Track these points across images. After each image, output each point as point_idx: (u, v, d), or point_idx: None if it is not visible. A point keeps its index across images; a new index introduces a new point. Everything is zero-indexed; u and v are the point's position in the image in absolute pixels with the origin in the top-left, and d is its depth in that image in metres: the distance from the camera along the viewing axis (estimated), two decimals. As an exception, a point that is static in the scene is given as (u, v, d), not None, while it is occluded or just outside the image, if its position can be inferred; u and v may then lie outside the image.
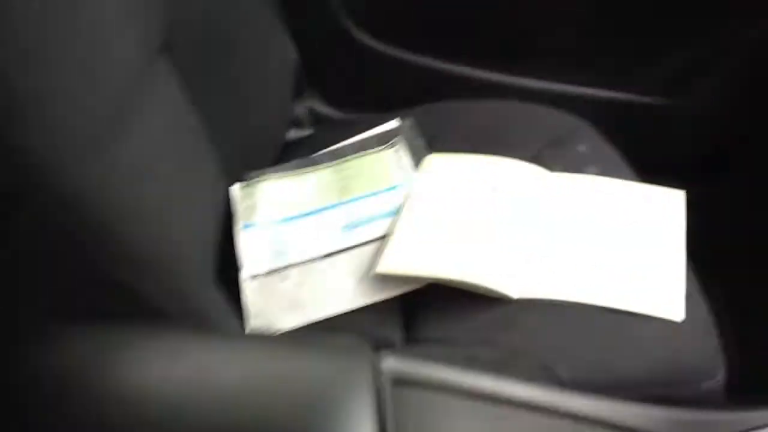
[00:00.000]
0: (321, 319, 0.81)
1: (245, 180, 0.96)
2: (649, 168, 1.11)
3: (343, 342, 0.54)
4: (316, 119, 1.23)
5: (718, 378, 0.73)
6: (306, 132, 1.17)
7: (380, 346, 0.76)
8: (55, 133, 0.56)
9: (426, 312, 0.78)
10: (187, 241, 0.80)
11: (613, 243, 0.79)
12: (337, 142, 1.03)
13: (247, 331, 0.80)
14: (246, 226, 0.90)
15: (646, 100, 1.20)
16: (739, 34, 1.12)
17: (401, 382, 0.54)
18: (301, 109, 1.19)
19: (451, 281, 0.77)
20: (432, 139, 0.99)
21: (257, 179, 0.96)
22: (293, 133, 1.16)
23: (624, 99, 1.20)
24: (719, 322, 0.77)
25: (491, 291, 0.76)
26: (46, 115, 0.55)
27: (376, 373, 0.53)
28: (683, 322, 0.73)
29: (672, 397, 0.71)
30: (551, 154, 0.95)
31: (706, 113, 1.19)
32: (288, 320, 0.81)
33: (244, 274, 0.86)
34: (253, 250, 0.88)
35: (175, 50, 0.82)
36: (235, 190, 0.95)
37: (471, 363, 0.71)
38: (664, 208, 0.83)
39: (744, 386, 0.74)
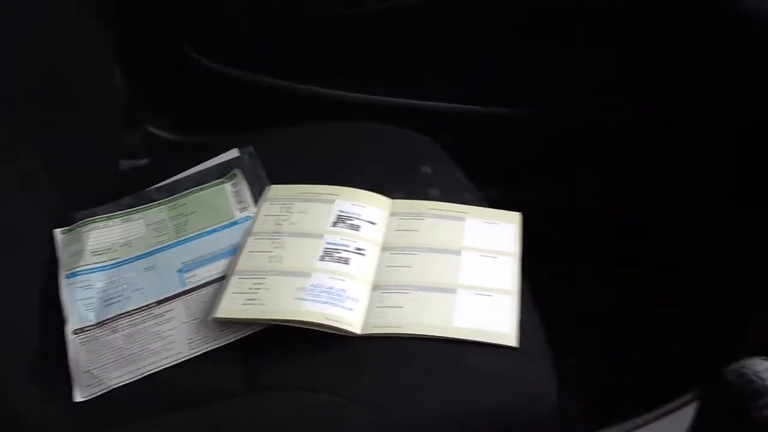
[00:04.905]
0: (154, 371, 0.75)
1: (71, 222, 0.89)
2: (489, 176, 1.12)
3: None
4: (155, 145, 1.16)
5: (551, 402, 0.74)
6: (141, 162, 1.10)
7: (222, 397, 0.73)
8: None
9: (268, 356, 0.74)
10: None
11: (452, 271, 0.79)
12: (175, 172, 0.96)
13: (76, 394, 0.74)
14: (70, 275, 0.83)
15: (486, 110, 1.20)
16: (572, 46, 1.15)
17: None
18: (137, 136, 1.11)
19: (292, 321, 0.74)
20: (274, 168, 0.95)
21: (84, 221, 0.89)
22: (126, 164, 1.08)
23: (463, 110, 1.21)
24: (555, 345, 0.78)
25: (334, 328, 0.73)
26: None
27: None
28: (519, 348, 0.74)
29: (503, 425, 0.72)
30: (394, 179, 0.94)
31: (543, 121, 1.21)
32: (118, 375, 0.75)
33: (69, 329, 0.79)
34: (78, 301, 0.81)
35: None
36: (57, 235, 0.88)
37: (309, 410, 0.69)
38: (501, 232, 0.84)
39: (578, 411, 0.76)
